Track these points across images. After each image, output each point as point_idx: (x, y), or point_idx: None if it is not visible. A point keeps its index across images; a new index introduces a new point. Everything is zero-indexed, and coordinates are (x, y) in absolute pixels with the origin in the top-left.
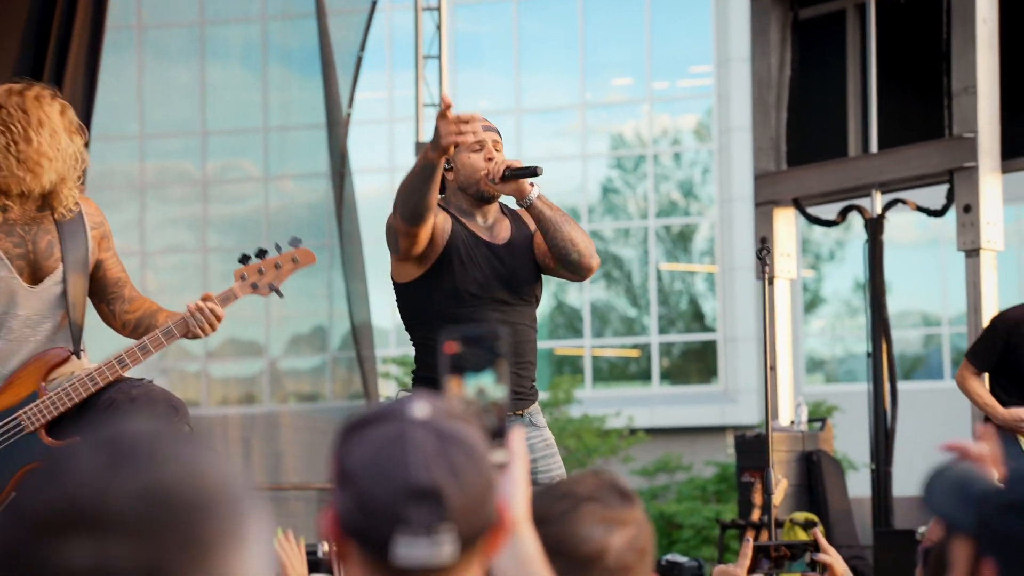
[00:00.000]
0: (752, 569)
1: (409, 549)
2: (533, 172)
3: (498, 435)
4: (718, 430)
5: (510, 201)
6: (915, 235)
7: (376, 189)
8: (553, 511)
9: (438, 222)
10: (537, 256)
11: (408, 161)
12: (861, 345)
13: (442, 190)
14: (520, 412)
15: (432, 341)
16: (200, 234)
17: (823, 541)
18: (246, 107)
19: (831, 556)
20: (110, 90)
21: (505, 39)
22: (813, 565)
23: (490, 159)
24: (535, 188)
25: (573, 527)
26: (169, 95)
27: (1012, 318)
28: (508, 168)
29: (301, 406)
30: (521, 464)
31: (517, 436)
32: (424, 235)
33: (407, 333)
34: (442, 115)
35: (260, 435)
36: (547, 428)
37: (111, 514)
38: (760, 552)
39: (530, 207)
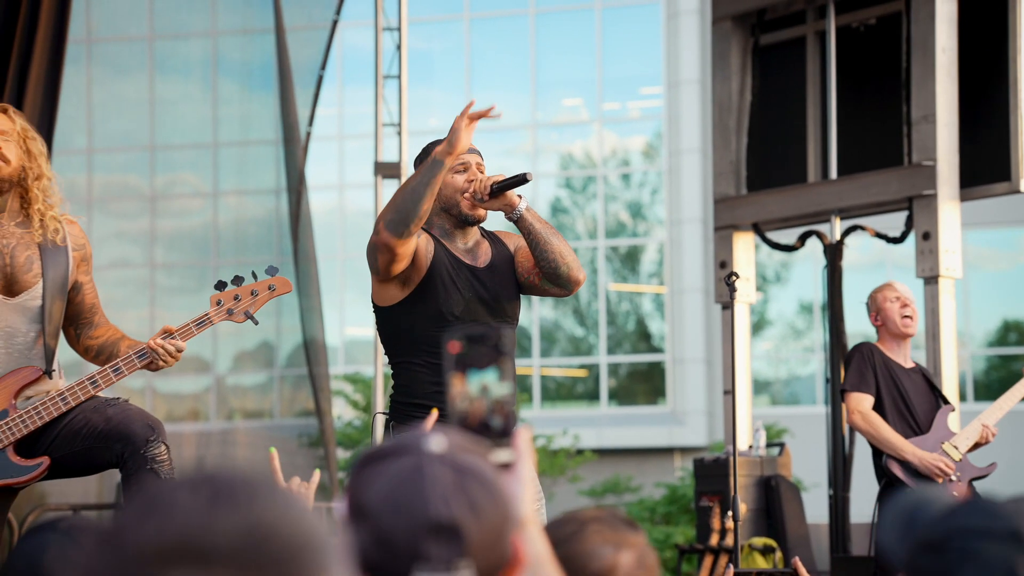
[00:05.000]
0: None
1: None
2: (523, 180)
3: (503, 434)
4: (666, 451)
5: (491, 223)
6: (858, 258)
7: (324, 206)
8: (560, 534)
9: (420, 244)
10: (520, 275)
11: (364, 178)
12: (805, 367)
13: None
14: None
15: (414, 364)
16: (146, 248)
17: (803, 571)
18: (195, 122)
19: None
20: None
21: (456, 57)
22: None
23: (472, 180)
24: (523, 201)
25: (581, 545)
26: (118, 109)
27: (872, 346)
28: (495, 183)
29: (255, 423)
30: (527, 463)
31: (523, 435)
32: (407, 252)
33: (387, 356)
34: (463, 114)
35: (215, 453)
36: None
37: (217, 548)
38: None
39: (519, 220)
